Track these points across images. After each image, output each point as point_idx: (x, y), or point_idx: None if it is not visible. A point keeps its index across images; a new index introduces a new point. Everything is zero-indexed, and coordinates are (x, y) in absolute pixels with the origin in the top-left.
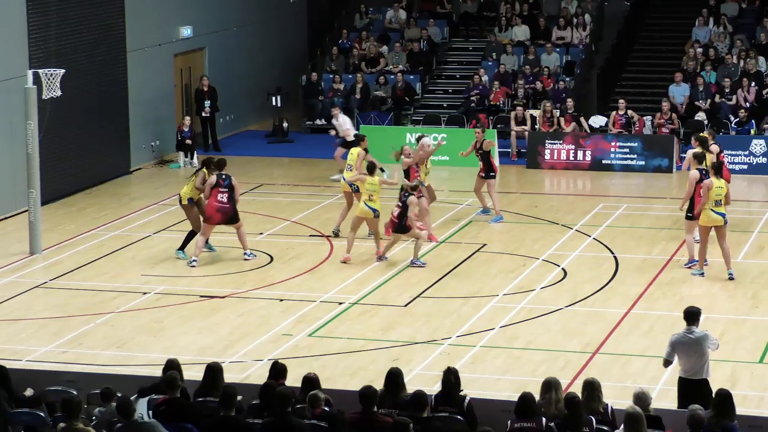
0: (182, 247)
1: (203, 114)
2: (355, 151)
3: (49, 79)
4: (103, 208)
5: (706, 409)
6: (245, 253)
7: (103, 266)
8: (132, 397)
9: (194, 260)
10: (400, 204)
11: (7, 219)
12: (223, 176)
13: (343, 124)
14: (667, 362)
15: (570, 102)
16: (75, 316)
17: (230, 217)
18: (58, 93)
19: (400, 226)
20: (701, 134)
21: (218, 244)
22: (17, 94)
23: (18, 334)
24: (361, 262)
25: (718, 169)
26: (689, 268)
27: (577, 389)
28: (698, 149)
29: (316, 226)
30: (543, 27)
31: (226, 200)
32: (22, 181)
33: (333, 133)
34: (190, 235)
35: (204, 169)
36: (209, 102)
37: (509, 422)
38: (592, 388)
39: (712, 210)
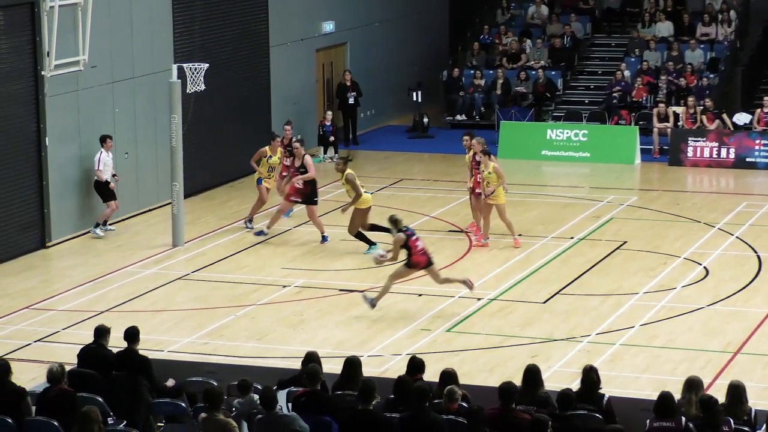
0: (370, 242)
1: (349, 102)
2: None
3: (193, 74)
4: (244, 202)
5: None
6: (323, 236)
7: (243, 259)
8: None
9: (263, 231)
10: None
11: (150, 211)
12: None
13: (108, 163)
14: None
15: (708, 101)
16: (216, 308)
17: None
18: (202, 87)
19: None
20: None
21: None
22: (162, 88)
23: (160, 324)
24: (500, 258)
25: None
26: None
27: (717, 390)
28: None
29: (455, 221)
30: (687, 23)
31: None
32: (166, 174)
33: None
34: (370, 230)
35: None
36: (353, 94)
37: (648, 421)
38: (736, 391)
39: None
